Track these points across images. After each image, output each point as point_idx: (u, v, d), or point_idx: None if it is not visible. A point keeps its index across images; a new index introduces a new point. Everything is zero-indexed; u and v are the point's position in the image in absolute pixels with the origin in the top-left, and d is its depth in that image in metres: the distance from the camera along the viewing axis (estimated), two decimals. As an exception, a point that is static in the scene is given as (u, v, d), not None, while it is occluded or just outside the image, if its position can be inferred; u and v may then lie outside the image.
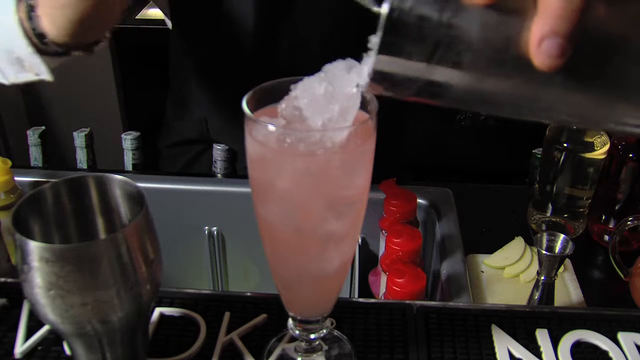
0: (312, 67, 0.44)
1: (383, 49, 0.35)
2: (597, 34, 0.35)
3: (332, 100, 0.42)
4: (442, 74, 0.36)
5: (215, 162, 0.98)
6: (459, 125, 1.93)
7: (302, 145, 0.42)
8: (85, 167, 0.99)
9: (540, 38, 0.33)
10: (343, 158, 0.43)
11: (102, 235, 0.49)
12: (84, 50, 0.64)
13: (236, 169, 1.00)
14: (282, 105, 0.44)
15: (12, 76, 0.65)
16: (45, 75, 0.64)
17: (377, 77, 0.36)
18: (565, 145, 0.79)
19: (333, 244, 0.48)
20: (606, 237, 0.84)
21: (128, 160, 0.99)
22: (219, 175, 0.98)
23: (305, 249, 0.48)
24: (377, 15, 0.35)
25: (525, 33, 0.34)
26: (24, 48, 0.61)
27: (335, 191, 0.45)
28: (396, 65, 0.35)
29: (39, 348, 0.55)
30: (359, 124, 0.43)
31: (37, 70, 0.63)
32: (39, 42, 0.60)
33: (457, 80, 0.36)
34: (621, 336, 0.57)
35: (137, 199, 0.45)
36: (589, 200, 0.83)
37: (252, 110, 0.45)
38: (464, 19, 0.34)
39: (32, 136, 0.97)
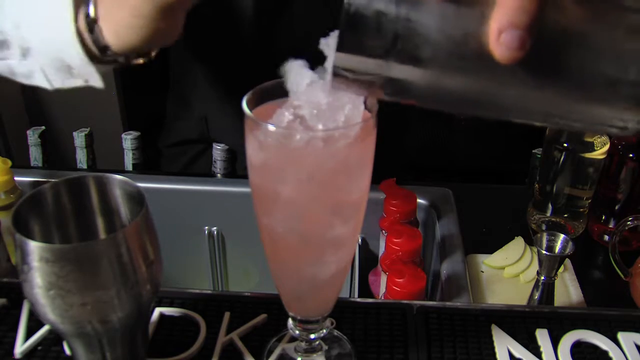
0: (312, 66, 0.43)
1: (342, 45, 0.34)
2: (558, 26, 0.34)
3: (337, 111, 0.42)
4: (405, 70, 0.35)
5: (215, 162, 0.98)
6: (459, 125, 1.92)
7: (304, 145, 0.42)
8: (85, 167, 0.99)
9: (499, 30, 0.33)
10: (344, 157, 0.43)
11: (102, 235, 0.48)
12: (144, 57, 0.61)
13: (236, 169, 1.00)
14: (285, 113, 0.43)
15: (59, 82, 0.61)
16: (96, 82, 0.60)
17: (339, 73, 0.36)
18: (565, 145, 0.79)
19: (335, 248, 0.48)
20: (606, 237, 0.84)
21: (128, 160, 0.99)
22: (219, 175, 0.98)
23: (308, 253, 0.48)
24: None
25: (485, 25, 0.33)
26: (77, 57, 0.57)
27: (337, 191, 0.45)
28: (357, 61, 0.35)
29: (39, 348, 0.55)
30: (360, 122, 0.43)
31: (87, 77, 0.60)
32: (99, 53, 0.57)
33: (419, 75, 0.35)
34: (621, 336, 0.57)
35: (137, 199, 0.45)
36: (589, 200, 0.83)
37: (252, 110, 0.45)
38: (422, 12, 0.33)
39: (32, 136, 0.97)
